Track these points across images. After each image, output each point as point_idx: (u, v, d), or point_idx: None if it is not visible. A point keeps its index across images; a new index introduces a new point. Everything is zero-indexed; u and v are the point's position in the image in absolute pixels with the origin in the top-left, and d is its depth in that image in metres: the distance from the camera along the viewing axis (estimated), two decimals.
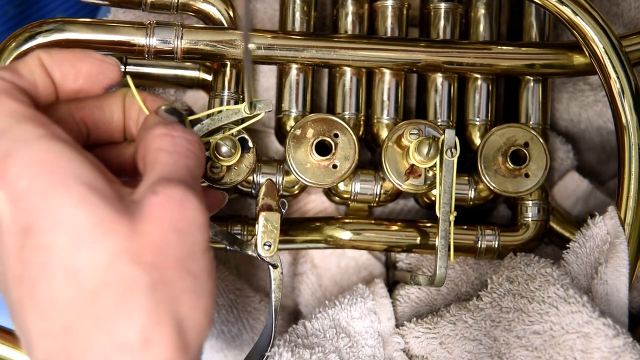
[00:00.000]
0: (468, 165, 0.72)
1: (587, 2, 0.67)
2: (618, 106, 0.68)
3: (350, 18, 0.72)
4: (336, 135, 0.67)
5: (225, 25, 0.70)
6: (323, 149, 0.67)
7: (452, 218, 0.64)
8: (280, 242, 0.64)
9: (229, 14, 0.70)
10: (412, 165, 0.67)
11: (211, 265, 0.48)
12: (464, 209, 0.72)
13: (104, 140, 0.59)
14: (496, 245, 0.71)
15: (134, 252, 0.45)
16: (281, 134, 0.72)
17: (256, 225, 0.63)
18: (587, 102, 0.78)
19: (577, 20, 0.67)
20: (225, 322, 0.73)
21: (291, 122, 0.71)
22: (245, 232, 0.71)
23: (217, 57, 0.68)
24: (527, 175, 0.69)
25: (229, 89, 0.69)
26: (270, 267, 0.64)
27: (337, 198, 0.73)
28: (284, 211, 0.64)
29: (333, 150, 0.66)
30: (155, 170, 0.50)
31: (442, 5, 0.72)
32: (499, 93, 0.75)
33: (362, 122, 0.71)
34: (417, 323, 0.68)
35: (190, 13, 0.70)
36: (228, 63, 0.69)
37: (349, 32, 0.72)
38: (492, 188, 0.69)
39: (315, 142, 0.66)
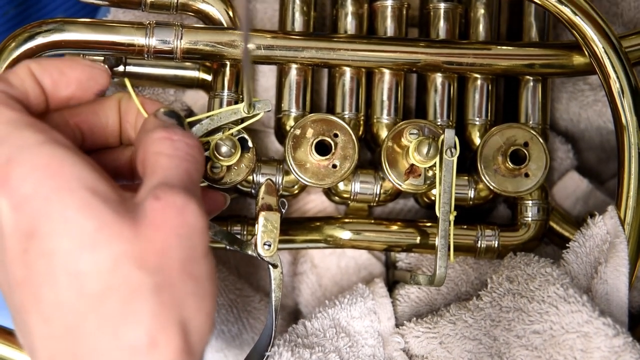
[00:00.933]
0: (468, 165, 0.72)
1: (587, 2, 0.67)
2: (618, 106, 0.68)
3: (349, 18, 0.72)
4: (336, 135, 0.67)
5: (225, 26, 0.70)
6: (323, 148, 0.67)
7: (452, 218, 0.64)
8: (280, 241, 0.64)
9: (228, 14, 0.70)
10: (412, 165, 0.67)
11: (212, 269, 0.48)
12: (464, 209, 0.72)
13: (99, 145, 0.59)
14: (496, 245, 0.71)
15: (137, 255, 0.45)
16: (281, 134, 0.72)
17: (256, 225, 0.63)
18: (586, 102, 0.78)
19: (577, 20, 0.67)
20: (225, 322, 0.74)
21: (291, 122, 0.71)
22: (245, 232, 0.71)
23: (217, 57, 0.68)
24: (526, 175, 0.69)
25: (229, 89, 0.69)
26: (270, 266, 0.64)
27: (336, 198, 0.73)
28: (283, 211, 0.64)
29: (333, 150, 0.66)
30: (155, 174, 0.50)
31: (442, 5, 0.72)
32: (499, 93, 0.75)
33: (361, 122, 0.71)
34: (417, 323, 0.68)
35: (190, 13, 0.70)
36: (228, 63, 0.69)
37: (349, 32, 0.72)
38: (491, 188, 0.69)
39: (315, 142, 0.66)
